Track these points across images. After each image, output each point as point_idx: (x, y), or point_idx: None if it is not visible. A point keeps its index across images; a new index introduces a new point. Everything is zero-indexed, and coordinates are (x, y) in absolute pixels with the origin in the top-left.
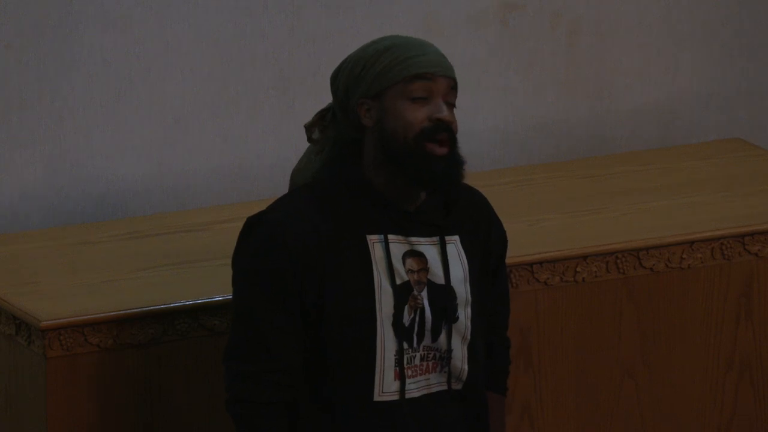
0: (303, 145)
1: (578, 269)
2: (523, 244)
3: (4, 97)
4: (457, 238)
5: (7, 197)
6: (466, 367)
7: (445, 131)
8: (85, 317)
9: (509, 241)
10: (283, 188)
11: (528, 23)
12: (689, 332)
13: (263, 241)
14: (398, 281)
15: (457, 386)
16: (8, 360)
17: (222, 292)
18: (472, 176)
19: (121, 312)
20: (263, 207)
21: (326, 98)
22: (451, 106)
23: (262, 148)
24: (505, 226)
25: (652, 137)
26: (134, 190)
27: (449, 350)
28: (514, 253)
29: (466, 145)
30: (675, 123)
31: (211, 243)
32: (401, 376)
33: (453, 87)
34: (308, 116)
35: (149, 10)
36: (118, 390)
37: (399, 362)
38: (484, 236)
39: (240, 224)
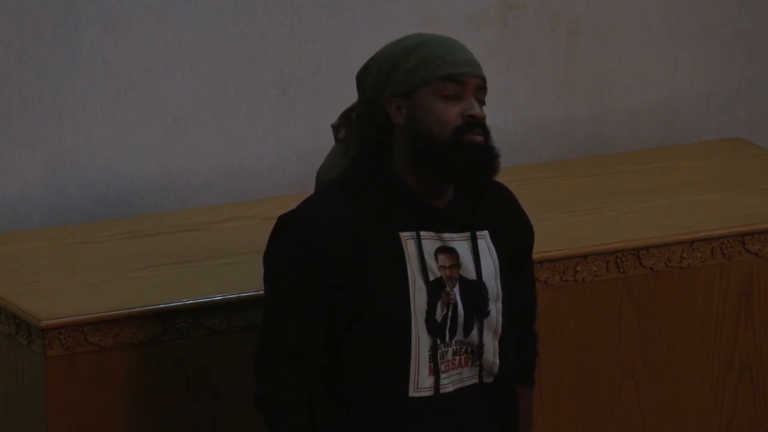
0: (303, 144)
1: (578, 268)
2: None
3: (5, 97)
4: (486, 233)
5: (7, 196)
6: (497, 360)
7: (478, 127)
8: (85, 317)
9: None
10: (283, 187)
11: (528, 23)
12: (689, 332)
13: (296, 236)
14: (431, 277)
15: (488, 380)
16: (8, 360)
17: (222, 292)
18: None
19: (121, 311)
20: (263, 206)
21: (326, 98)
22: (481, 103)
23: (262, 147)
24: None
25: (652, 137)
26: (134, 190)
27: (481, 345)
28: None
29: None
30: (675, 123)
31: (211, 242)
32: (436, 372)
33: (482, 85)
34: (308, 116)
35: (149, 10)
36: (118, 390)
37: (433, 358)
38: (512, 229)
39: (240, 223)
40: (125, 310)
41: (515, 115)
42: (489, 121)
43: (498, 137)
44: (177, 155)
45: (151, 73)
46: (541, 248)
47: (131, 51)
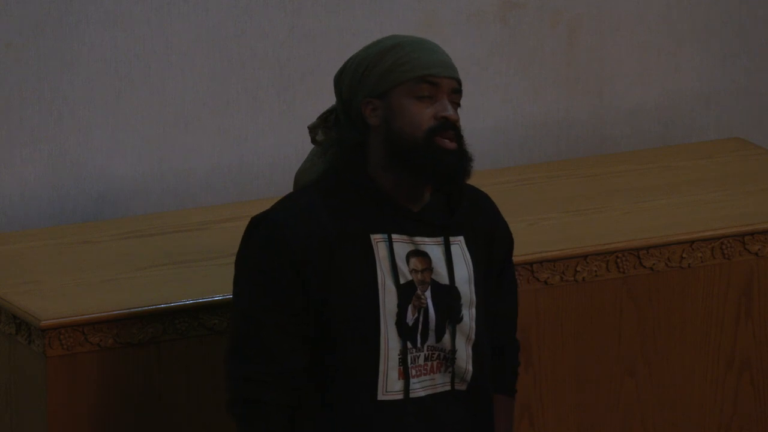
0: (303, 143)
1: (578, 268)
2: (523, 243)
3: (5, 96)
4: (461, 238)
5: (7, 196)
6: (470, 367)
7: (451, 129)
8: (86, 316)
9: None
10: (283, 187)
11: (528, 21)
12: (689, 331)
13: (264, 241)
14: (402, 281)
15: (461, 387)
16: (8, 359)
17: (222, 292)
18: (472, 175)
19: (121, 311)
20: (263, 205)
21: (326, 97)
22: (456, 105)
23: (261, 146)
24: None
25: (652, 136)
26: (134, 189)
27: (453, 350)
28: (514, 253)
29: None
30: (675, 122)
31: (211, 242)
32: (405, 376)
33: (457, 88)
34: (308, 115)
35: (149, 9)
36: (118, 389)
37: (403, 361)
38: (489, 237)
39: (240, 223)
40: (125, 310)
41: (515, 115)
42: (489, 121)
43: (498, 137)
44: (177, 154)
45: (151, 72)
46: (541, 248)
47: (131, 49)
